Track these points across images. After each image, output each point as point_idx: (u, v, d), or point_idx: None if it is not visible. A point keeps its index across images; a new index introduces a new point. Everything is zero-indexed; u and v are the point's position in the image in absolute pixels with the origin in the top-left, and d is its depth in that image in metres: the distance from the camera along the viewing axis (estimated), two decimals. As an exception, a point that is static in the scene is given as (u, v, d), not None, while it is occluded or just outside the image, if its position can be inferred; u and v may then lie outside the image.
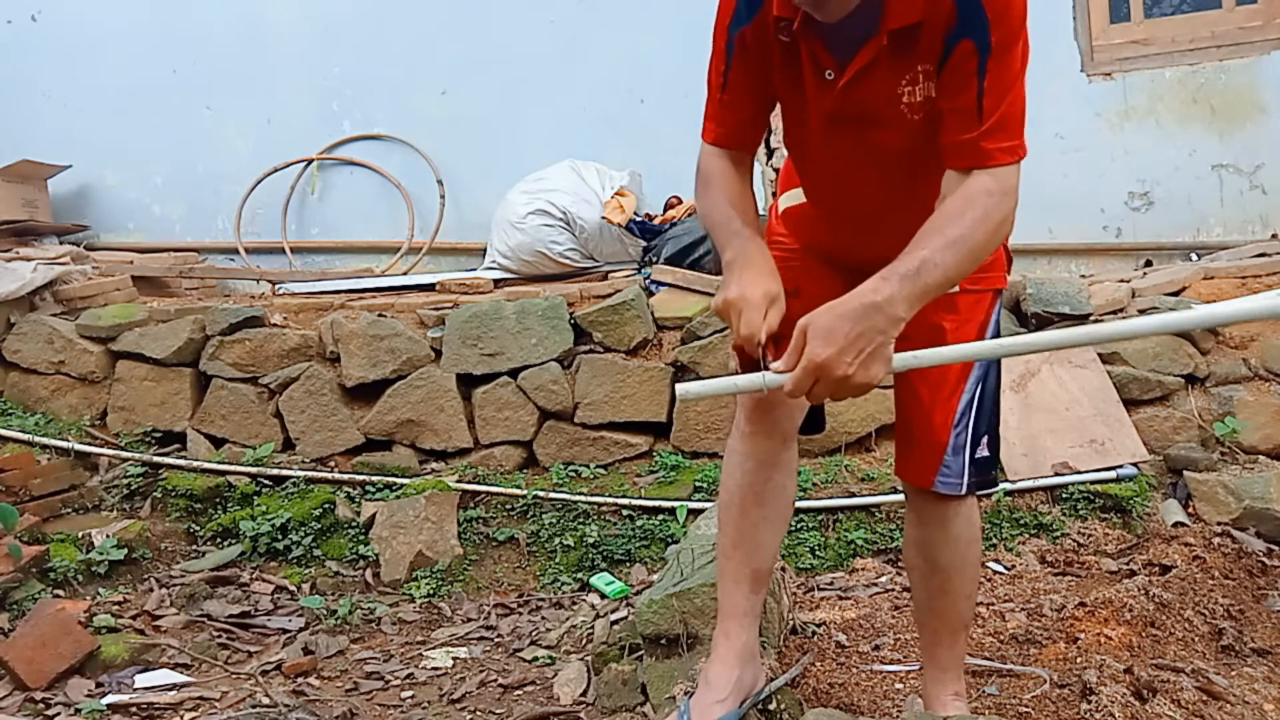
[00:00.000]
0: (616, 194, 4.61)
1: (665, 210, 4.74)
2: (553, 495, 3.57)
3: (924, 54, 1.55)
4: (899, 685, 2.31)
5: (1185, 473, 3.36)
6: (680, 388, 1.55)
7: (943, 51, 1.53)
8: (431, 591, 3.30)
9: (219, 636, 2.97)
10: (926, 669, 2.02)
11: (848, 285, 1.59)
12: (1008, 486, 3.35)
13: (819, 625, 2.66)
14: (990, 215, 1.53)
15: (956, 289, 1.76)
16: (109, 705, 2.51)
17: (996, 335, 1.87)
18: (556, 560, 3.44)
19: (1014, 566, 3.11)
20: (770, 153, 5.03)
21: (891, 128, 1.62)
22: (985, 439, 1.84)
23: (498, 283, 4.48)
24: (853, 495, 3.45)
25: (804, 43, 1.60)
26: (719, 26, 1.70)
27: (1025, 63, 1.55)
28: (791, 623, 2.62)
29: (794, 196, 1.89)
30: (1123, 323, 1.62)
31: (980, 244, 1.53)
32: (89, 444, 3.83)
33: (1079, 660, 2.29)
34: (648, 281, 4.16)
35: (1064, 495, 3.36)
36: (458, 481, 3.62)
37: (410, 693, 2.65)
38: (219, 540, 3.53)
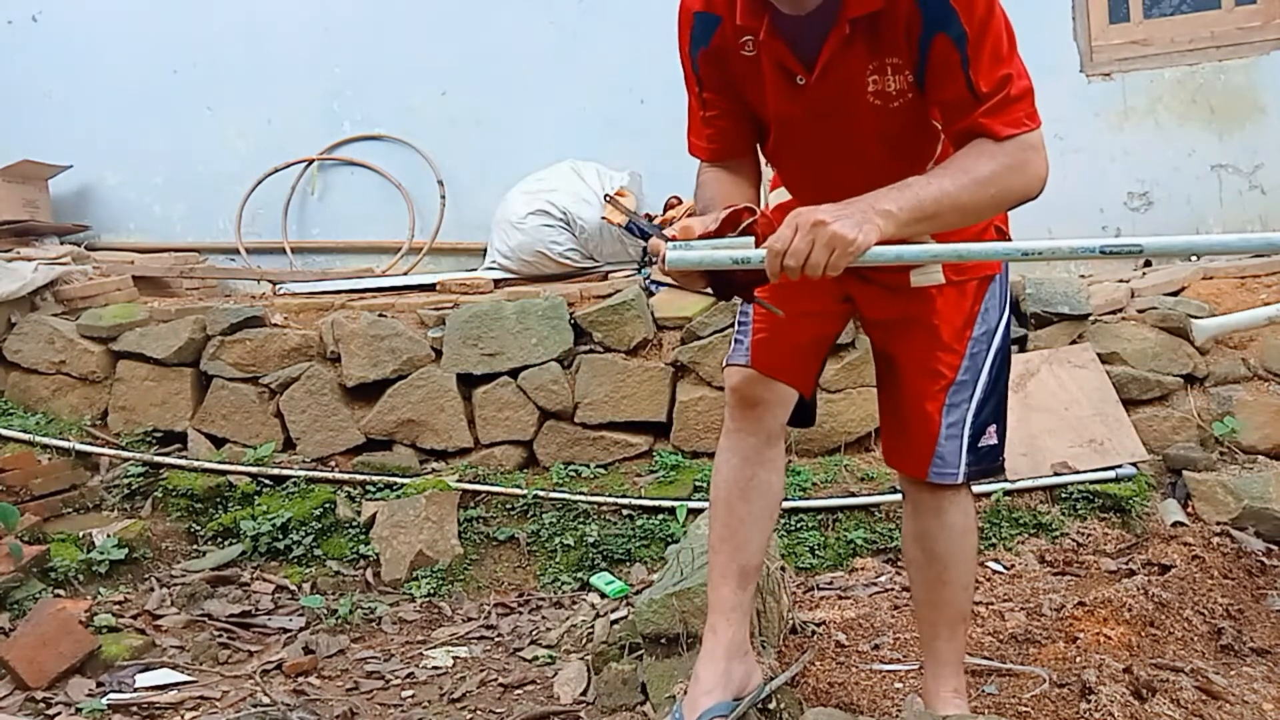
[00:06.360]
0: (616, 194, 4.61)
1: (665, 210, 4.74)
2: (553, 495, 3.57)
3: (889, 47, 1.56)
4: (899, 685, 2.31)
5: (1184, 472, 3.36)
6: (670, 255, 1.54)
7: (919, 51, 1.53)
8: (432, 591, 3.31)
9: (220, 636, 2.97)
10: (926, 664, 2.03)
11: (837, 288, 1.59)
12: (1007, 486, 3.35)
13: (819, 625, 2.67)
14: (996, 156, 1.52)
15: (942, 280, 1.75)
16: (109, 705, 2.51)
17: (997, 324, 1.82)
18: (556, 560, 3.45)
19: (1013, 566, 3.11)
20: (770, 153, 5.04)
21: (863, 118, 1.62)
22: (993, 426, 1.83)
23: (498, 283, 4.48)
24: (852, 495, 3.45)
25: (768, 53, 1.62)
26: (682, 53, 1.75)
27: (1012, 38, 1.54)
28: (791, 622, 2.62)
29: (784, 193, 1.90)
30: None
31: (986, 174, 1.51)
32: (90, 444, 3.83)
33: (1078, 660, 2.29)
34: (648, 281, 4.12)
35: (1063, 495, 3.36)
36: (458, 481, 3.62)
37: (410, 692, 2.66)
38: (220, 540, 3.53)
